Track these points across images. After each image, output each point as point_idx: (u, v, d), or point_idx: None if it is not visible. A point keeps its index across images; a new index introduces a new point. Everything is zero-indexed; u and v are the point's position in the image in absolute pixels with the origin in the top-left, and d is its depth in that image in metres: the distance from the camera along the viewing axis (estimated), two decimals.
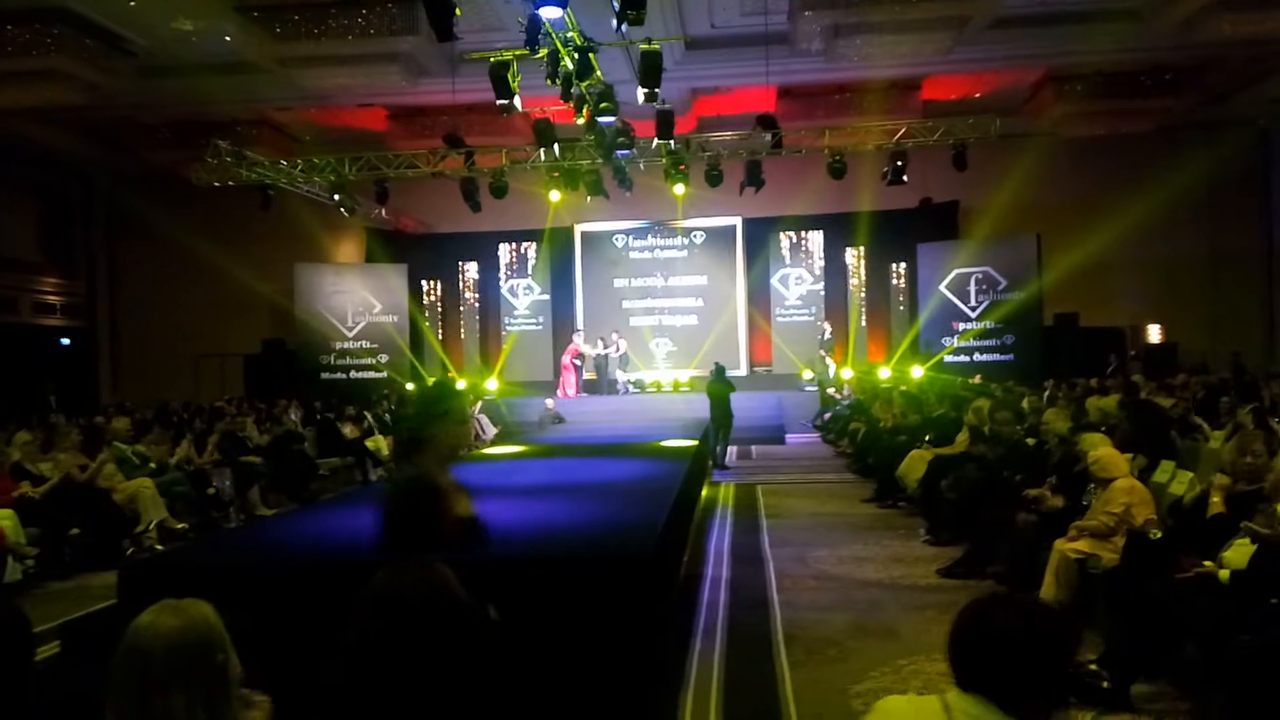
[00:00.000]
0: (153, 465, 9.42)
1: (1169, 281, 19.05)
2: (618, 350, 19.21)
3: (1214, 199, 18.71)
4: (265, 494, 10.61)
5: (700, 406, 14.48)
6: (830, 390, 17.67)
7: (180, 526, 8.90)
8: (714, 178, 15.92)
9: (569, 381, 18.97)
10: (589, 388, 19.30)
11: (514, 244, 20.66)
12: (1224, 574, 4.21)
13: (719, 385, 13.38)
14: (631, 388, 19.26)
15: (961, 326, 18.26)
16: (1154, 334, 19.12)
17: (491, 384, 19.44)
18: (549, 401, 17.35)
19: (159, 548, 8.31)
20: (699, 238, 20.61)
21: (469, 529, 3.15)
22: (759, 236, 20.21)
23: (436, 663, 1.69)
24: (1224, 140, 17.88)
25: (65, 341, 21.02)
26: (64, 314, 20.99)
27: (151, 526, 8.55)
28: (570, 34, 10.11)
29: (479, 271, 21.06)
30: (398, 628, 1.69)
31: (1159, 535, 5.10)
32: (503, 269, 20.79)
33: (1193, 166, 17.40)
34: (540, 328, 20.46)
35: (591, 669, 4.25)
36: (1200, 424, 8.22)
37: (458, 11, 9.21)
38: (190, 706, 1.74)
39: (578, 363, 19.20)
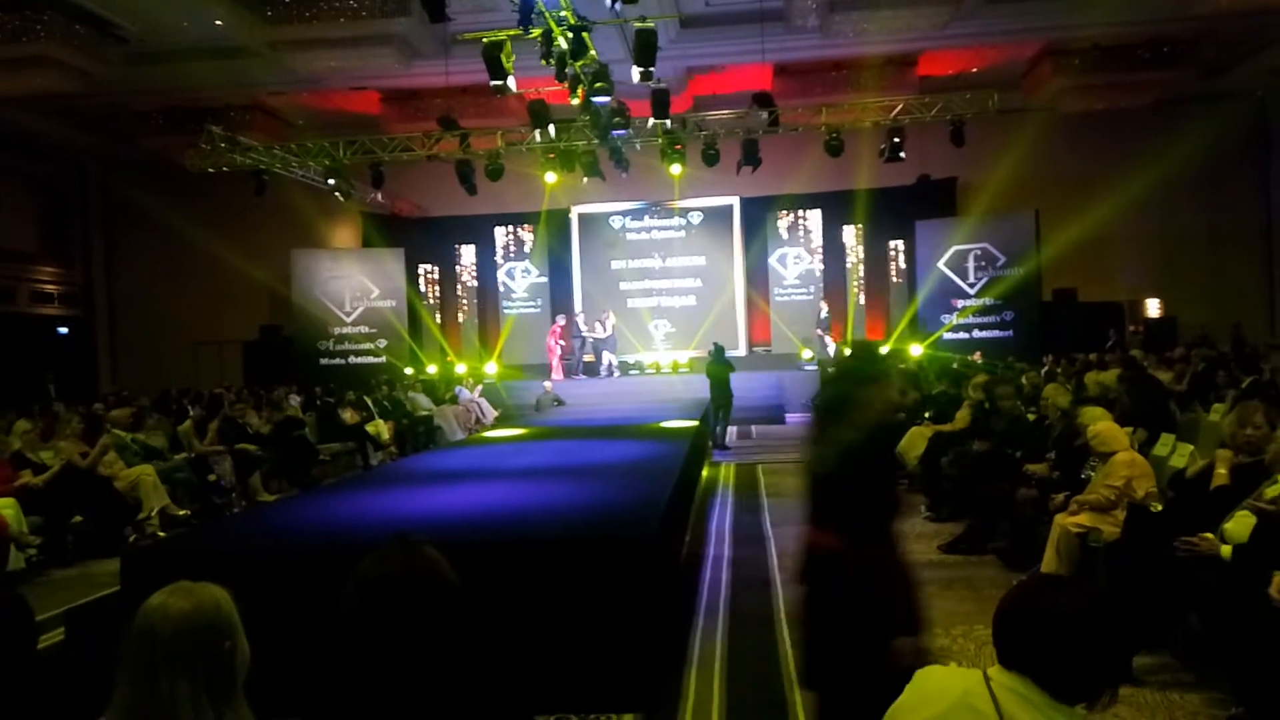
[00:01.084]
0: (163, 462, 9.40)
1: (1168, 256, 19.00)
2: (605, 331, 19.17)
3: (1213, 172, 18.62)
4: (267, 480, 10.63)
5: (700, 387, 14.49)
6: (830, 369, 17.65)
7: (182, 513, 8.93)
8: (710, 157, 15.84)
9: (554, 363, 18.94)
10: (589, 370, 19.29)
11: (510, 227, 20.60)
12: (1226, 550, 4.22)
13: (718, 366, 13.38)
14: (616, 370, 19.18)
15: (960, 303, 18.24)
16: (1153, 308, 19.10)
17: (490, 367, 19.45)
18: (547, 384, 17.35)
19: (161, 534, 8.34)
20: (696, 218, 20.54)
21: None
22: (756, 216, 20.14)
23: (426, 647, 1.67)
24: (1222, 113, 17.78)
25: (63, 330, 20.99)
26: (62, 303, 20.95)
27: (153, 513, 8.58)
28: (564, 13, 10.02)
29: (476, 255, 21.00)
30: (385, 613, 1.67)
31: (1159, 508, 5.12)
32: (500, 252, 20.74)
33: (1191, 140, 17.31)
34: (539, 310, 20.41)
35: (597, 648, 4.27)
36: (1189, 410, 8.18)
37: None
38: (194, 690, 1.74)
39: (563, 343, 19.20)
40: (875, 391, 2.97)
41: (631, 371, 19.80)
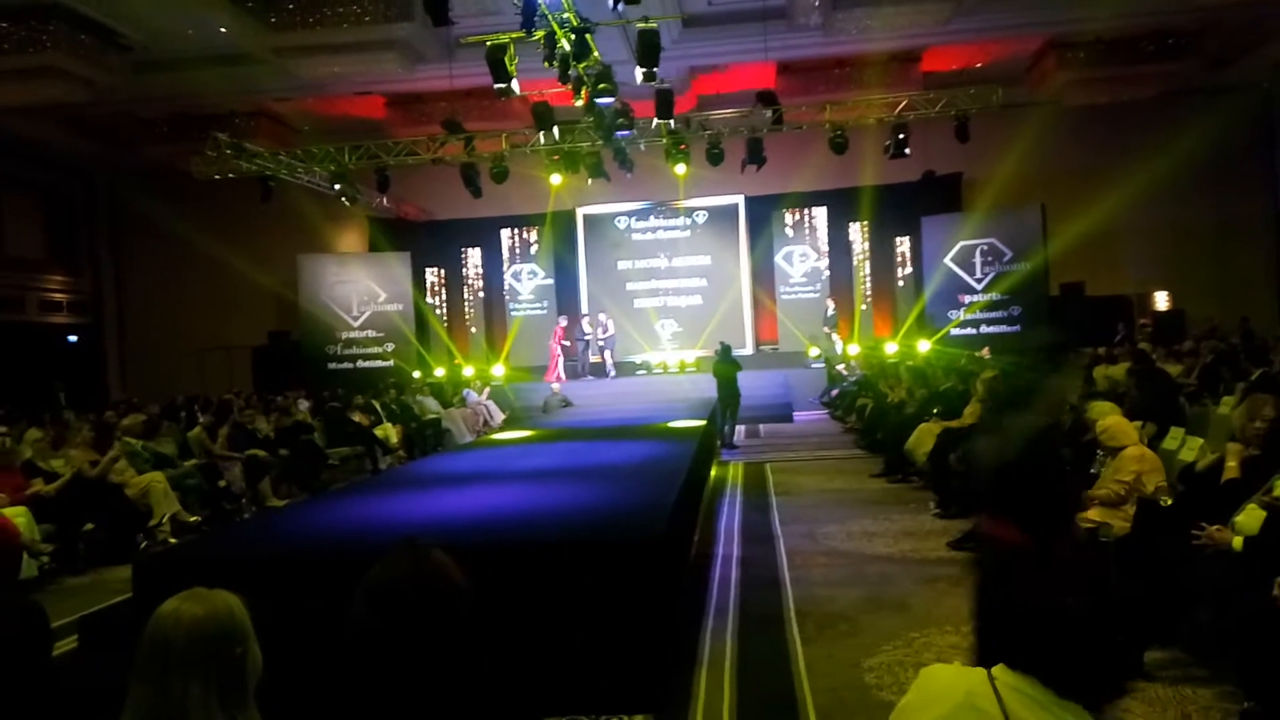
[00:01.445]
0: (173, 469, 9.43)
1: (1175, 248, 18.93)
2: (605, 331, 19.20)
3: (1219, 164, 18.53)
4: (276, 485, 10.65)
5: (707, 387, 14.48)
6: (839, 367, 17.65)
7: (193, 519, 8.96)
8: (715, 156, 15.83)
9: (558, 365, 18.95)
10: (596, 370, 19.33)
11: (516, 229, 20.64)
12: (1237, 541, 4.20)
13: (725, 365, 13.37)
14: (612, 370, 19.18)
15: (967, 299, 18.19)
16: (1161, 301, 19.04)
17: (498, 370, 19.47)
18: (555, 385, 17.36)
19: (172, 541, 8.36)
20: (701, 217, 20.54)
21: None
22: (762, 214, 20.13)
23: (436, 650, 1.68)
24: (1228, 105, 17.70)
25: (73, 339, 21.09)
26: (70, 311, 21.06)
27: (164, 520, 8.60)
28: (566, 15, 10.03)
29: (482, 257, 21.05)
30: (395, 617, 1.68)
31: (1170, 502, 5.10)
32: (506, 254, 20.78)
33: (1197, 132, 17.22)
34: (545, 312, 20.44)
35: (605, 650, 4.28)
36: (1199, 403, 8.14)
37: None
38: (206, 695, 1.75)
39: (566, 344, 19.24)
40: (1060, 381, 2.95)
41: (639, 372, 19.82)
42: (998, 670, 1.73)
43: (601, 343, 19.20)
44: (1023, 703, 1.67)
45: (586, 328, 19.45)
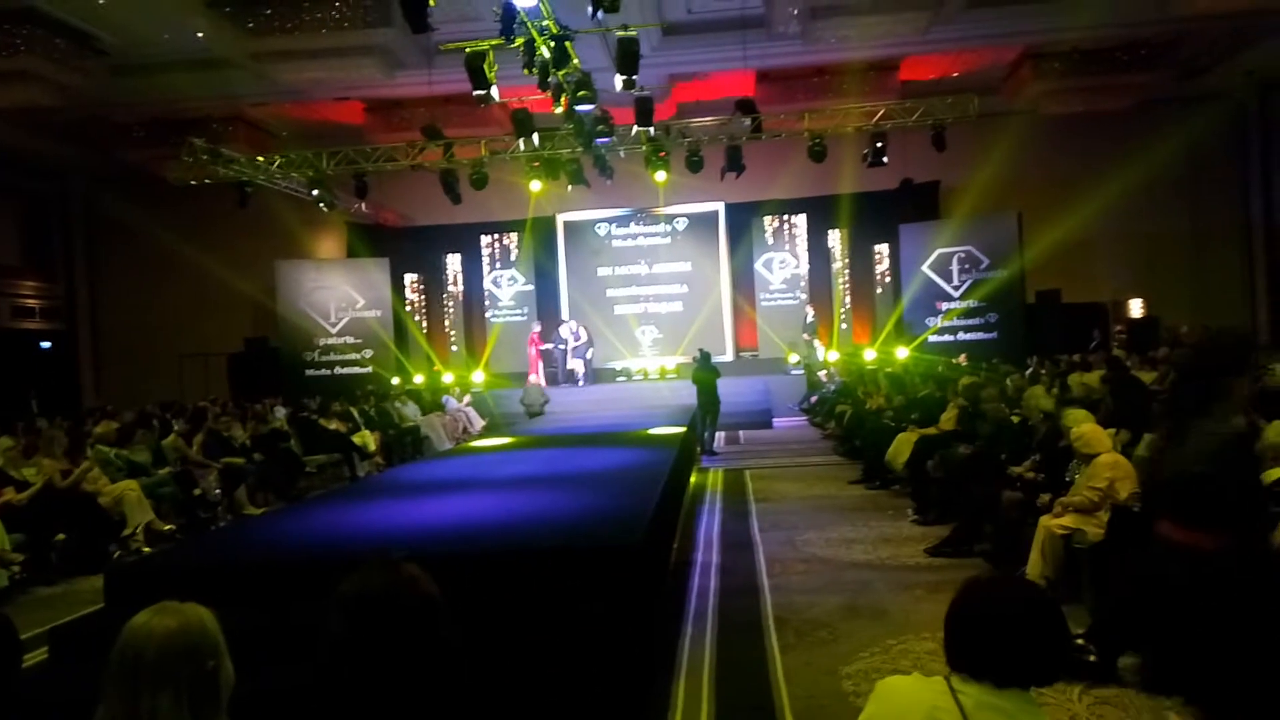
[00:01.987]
0: (147, 477, 9.32)
1: (1150, 256, 19.15)
2: (578, 339, 19.20)
3: (1194, 173, 18.78)
4: (252, 493, 10.56)
5: (687, 393, 14.50)
6: (819, 373, 17.72)
7: (167, 528, 8.86)
8: (695, 164, 15.88)
9: (536, 369, 18.95)
10: (571, 378, 19.31)
11: (496, 235, 20.60)
12: None
13: (705, 372, 13.40)
14: (582, 380, 19.18)
15: (945, 306, 18.32)
16: (1136, 309, 19.24)
17: (478, 376, 19.41)
18: (534, 378, 17.30)
19: (146, 550, 8.27)
20: (681, 224, 20.59)
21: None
22: (741, 221, 20.20)
23: (409, 662, 1.68)
24: (1202, 114, 17.94)
25: (46, 345, 20.83)
26: (44, 317, 20.80)
27: (138, 529, 8.51)
28: (546, 22, 10.05)
29: (462, 264, 20.98)
30: (367, 630, 1.68)
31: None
32: (485, 260, 20.73)
33: (1172, 141, 17.45)
34: (525, 318, 20.39)
35: (584, 657, 4.27)
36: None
37: (432, 2, 9.15)
38: (176, 708, 1.74)
39: (546, 349, 19.24)
40: (1243, 382, 2.87)
41: (619, 378, 19.81)
42: (956, 681, 1.75)
43: (575, 350, 19.18)
44: (987, 716, 1.69)
45: (564, 334, 19.43)
